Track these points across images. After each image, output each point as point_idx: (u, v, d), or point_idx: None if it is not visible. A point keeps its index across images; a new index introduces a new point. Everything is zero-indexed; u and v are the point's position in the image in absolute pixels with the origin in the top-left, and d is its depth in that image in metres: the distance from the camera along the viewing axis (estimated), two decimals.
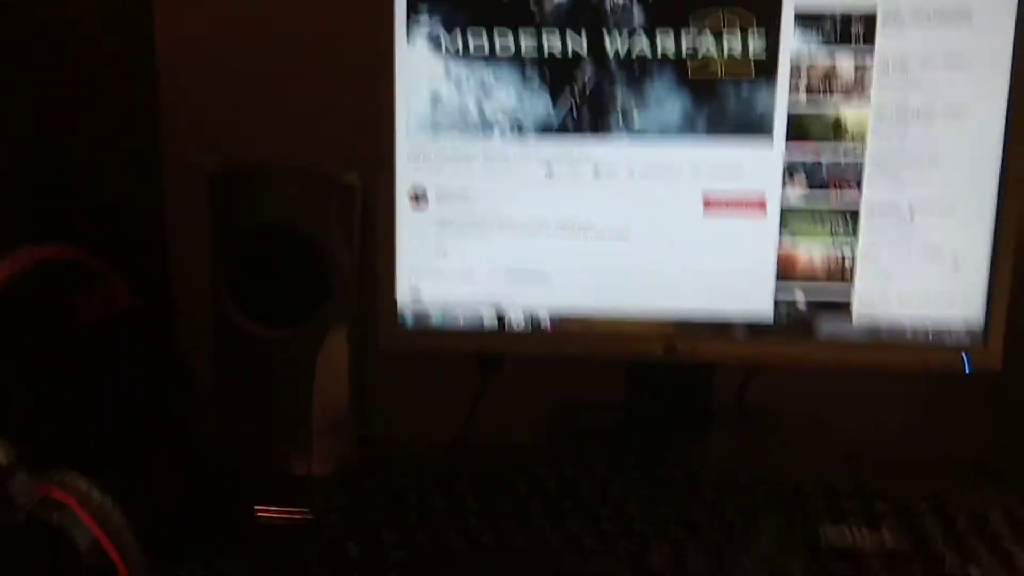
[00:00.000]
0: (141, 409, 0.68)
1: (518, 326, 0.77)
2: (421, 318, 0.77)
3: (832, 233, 0.73)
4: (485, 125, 0.74)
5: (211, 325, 0.76)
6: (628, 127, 0.73)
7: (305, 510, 0.69)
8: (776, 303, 0.74)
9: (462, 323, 0.77)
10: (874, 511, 0.67)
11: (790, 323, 0.74)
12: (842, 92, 0.71)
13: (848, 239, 0.73)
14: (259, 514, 0.71)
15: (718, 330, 0.75)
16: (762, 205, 0.73)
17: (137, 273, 0.70)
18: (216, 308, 0.75)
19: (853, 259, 0.73)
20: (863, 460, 0.75)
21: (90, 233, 0.67)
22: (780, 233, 0.73)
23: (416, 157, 0.75)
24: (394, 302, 0.77)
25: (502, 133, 0.74)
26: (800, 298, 0.74)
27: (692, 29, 0.71)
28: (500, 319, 0.77)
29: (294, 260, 0.76)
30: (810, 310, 0.74)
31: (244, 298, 0.76)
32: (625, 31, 0.72)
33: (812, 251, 0.73)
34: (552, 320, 0.76)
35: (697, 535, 0.65)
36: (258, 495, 0.72)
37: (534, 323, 0.77)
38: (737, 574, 0.61)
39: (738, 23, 0.71)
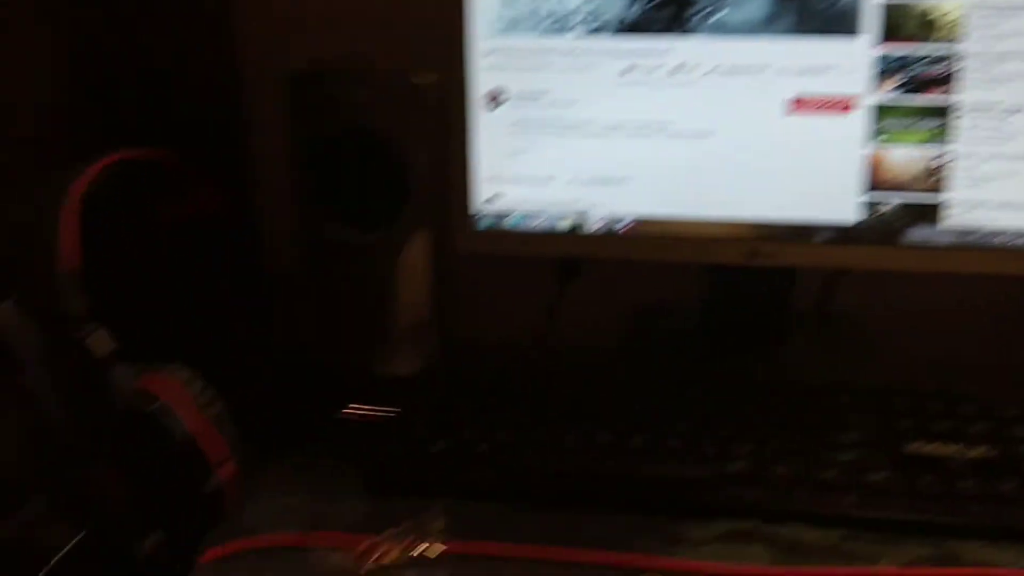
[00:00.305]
0: (231, 308, 0.70)
1: (596, 229, 0.76)
2: (498, 221, 0.77)
3: (923, 134, 0.70)
4: (562, 21, 0.73)
5: (293, 229, 0.77)
6: (710, 22, 0.71)
7: (390, 408, 0.71)
8: (862, 206, 0.72)
9: (539, 226, 0.77)
10: (961, 418, 0.66)
11: (876, 227, 0.72)
12: None
13: (940, 140, 0.70)
14: (346, 412, 0.72)
15: (801, 234, 0.74)
16: (850, 105, 0.71)
17: (219, 176, 0.71)
18: (298, 212, 0.76)
19: (944, 161, 0.71)
20: (950, 365, 0.73)
21: (173, 136, 0.68)
22: (868, 134, 0.71)
23: (492, 56, 0.74)
24: (471, 205, 0.76)
25: (579, 30, 0.73)
26: (888, 201, 0.72)
27: None
28: (578, 222, 0.76)
29: (372, 162, 0.75)
30: (898, 214, 0.72)
31: (324, 200, 0.76)
32: None
33: (901, 153, 0.71)
34: (630, 223, 0.76)
35: (779, 438, 0.65)
36: (344, 394, 0.73)
37: (612, 226, 0.76)
38: (820, 479, 0.61)
39: None
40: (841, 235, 0.73)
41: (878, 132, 0.71)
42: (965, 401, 0.67)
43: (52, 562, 0.56)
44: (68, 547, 0.57)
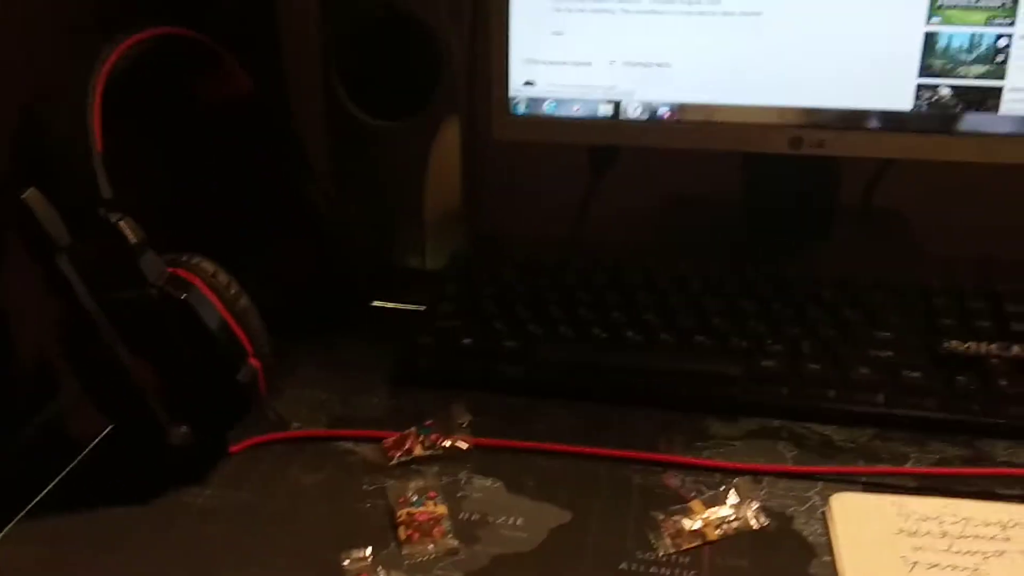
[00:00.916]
0: (266, 194, 0.69)
1: (635, 116, 0.73)
2: (534, 107, 0.75)
3: (983, 14, 0.66)
4: None
5: (323, 115, 0.75)
6: None
7: (419, 303, 0.70)
8: (917, 92, 0.69)
9: (576, 113, 0.74)
10: (1004, 317, 0.63)
11: (931, 114, 0.69)
12: None
13: (1005, 20, 0.66)
14: (375, 304, 0.73)
15: (850, 122, 0.70)
16: None
17: (251, 61, 0.69)
18: (328, 98, 0.74)
19: (1009, 43, 0.66)
20: (997, 264, 0.70)
21: (204, 19, 0.66)
22: (928, 13, 0.67)
23: None
24: (506, 90, 0.74)
25: None
26: (945, 87, 0.68)
27: None
28: (616, 109, 0.73)
29: (404, 46, 0.73)
30: (955, 100, 0.68)
31: (355, 87, 0.74)
32: None
33: (962, 34, 0.67)
34: (671, 110, 0.73)
35: (813, 335, 0.63)
36: (373, 286, 0.73)
37: (652, 113, 0.73)
38: (853, 376, 0.60)
39: None
40: (893, 122, 0.69)
41: (939, 10, 0.66)
42: (1009, 300, 0.64)
43: (84, 452, 0.58)
44: (99, 437, 0.59)
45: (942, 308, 0.64)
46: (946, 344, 0.61)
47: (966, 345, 0.61)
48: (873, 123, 0.70)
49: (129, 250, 0.52)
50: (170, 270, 0.53)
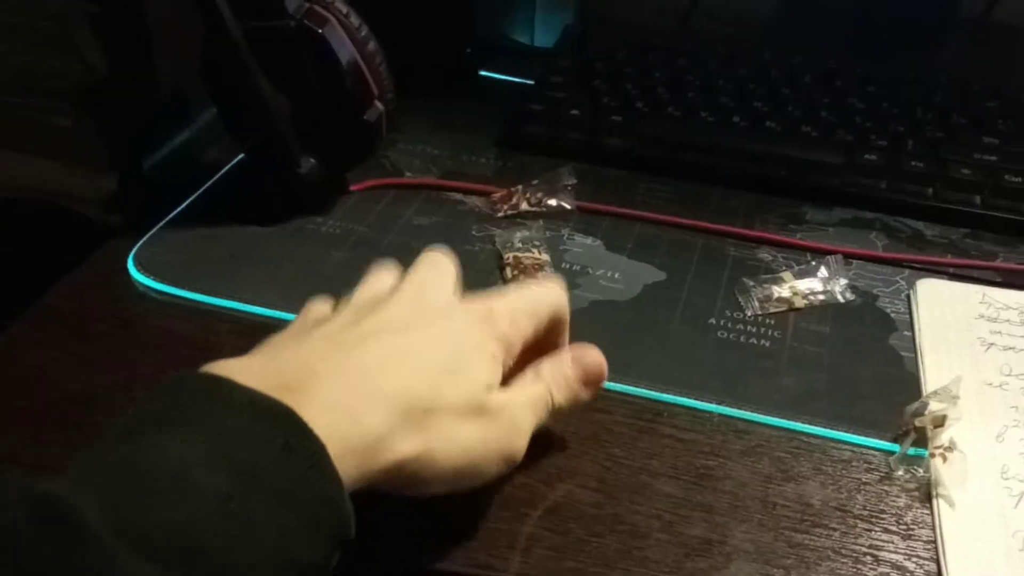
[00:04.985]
0: None
1: None
2: None
3: None
4: None
5: None
6: None
7: (525, 77, 0.72)
8: None
9: None
10: None
11: None
12: None
13: None
14: (482, 74, 0.74)
15: None
16: None
17: None
18: None
19: None
20: None
21: None
22: None
23: None
24: None
25: None
26: None
27: None
28: None
29: None
30: None
31: None
32: None
33: None
34: None
35: (919, 135, 0.64)
36: (481, 55, 0.75)
37: None
38: (953, 176, 0.61)
39: None
40: None
41: None
42: None
43: (217, 175, 0.62)
44: (231, 164, 0.63)
45: None
46: None
47: None
48: None
49: None
50: (307, 5, 0.55)
